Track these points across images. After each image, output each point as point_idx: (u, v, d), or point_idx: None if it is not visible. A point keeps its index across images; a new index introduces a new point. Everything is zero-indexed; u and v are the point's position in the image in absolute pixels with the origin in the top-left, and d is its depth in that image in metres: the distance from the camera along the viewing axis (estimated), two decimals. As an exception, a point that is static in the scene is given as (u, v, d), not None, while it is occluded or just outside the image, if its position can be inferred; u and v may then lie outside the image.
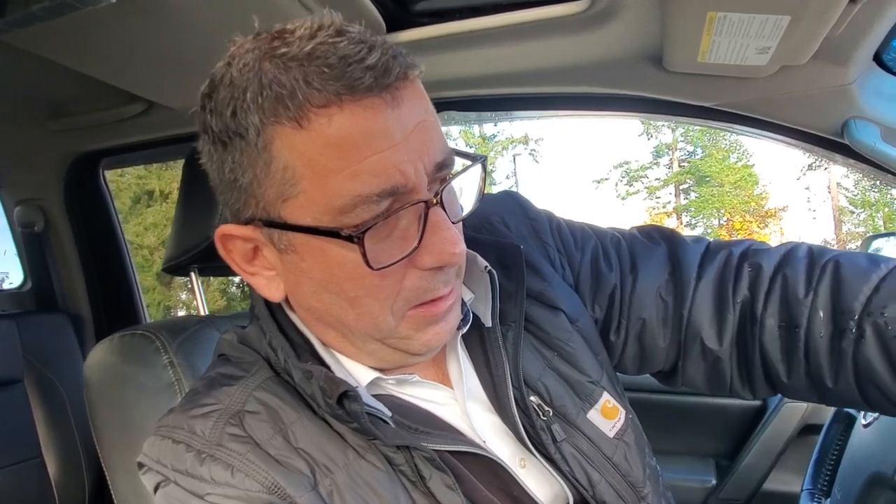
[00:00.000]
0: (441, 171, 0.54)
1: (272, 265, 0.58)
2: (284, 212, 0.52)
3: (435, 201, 0.52)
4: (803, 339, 0.65)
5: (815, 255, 0.68)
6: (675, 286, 0.71)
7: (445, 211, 0.53)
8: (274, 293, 0.59)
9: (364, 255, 0.50)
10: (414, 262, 0.53)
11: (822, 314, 0.64)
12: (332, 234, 0.51)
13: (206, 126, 0.53)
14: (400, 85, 0.50)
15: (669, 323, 0.72)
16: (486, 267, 0.64)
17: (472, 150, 0.59)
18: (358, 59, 0.48)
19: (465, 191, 0.60)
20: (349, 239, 0.50)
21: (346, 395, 0.53)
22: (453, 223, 0.54)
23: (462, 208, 0.59)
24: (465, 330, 0.64)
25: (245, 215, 0.55)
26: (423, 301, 0.56)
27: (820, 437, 1.01)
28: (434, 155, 0.52)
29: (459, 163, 0.57)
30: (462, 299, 0.64)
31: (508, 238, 0.73)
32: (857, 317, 0.62)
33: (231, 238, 0.57)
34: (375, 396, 0.60)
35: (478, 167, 0.58)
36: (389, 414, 0.58)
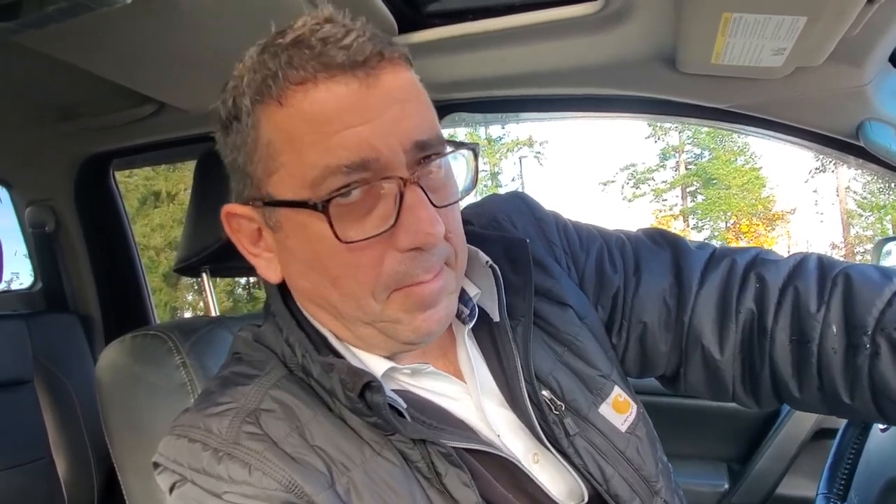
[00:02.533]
0: (423, 152, 0.54)
1: (271, 247, 0.60)
2: (270, 187, 0.55)
3: (412, 180, 0.53)
4: (816, 354, 0.64)
5: (825, 268, 0.67)
6: (678, 292, 0.71)
7: (425, 192, 0.53)
8: (272, 275, 0.61)
9: (330, 224, 0.51)
10: (392, 242, 0.54)
11: (834, 329, 0.63)
12: (303, 204, 0.53)
13: (219, 116, 0.58)
14: (376, 65, 0.52)
15: (671, 328, 0.71)
16: (487, 262, 0.64)
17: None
18: (335, 40, 0.51)
19: (461, 179, 0.60)
20: (314, 207, 0.52)
21: (368, 386, 0.53)
22: (439, 207, 0.55)
23: (453, 195, 0.59)
24: (471, 324, 0.65)
25: (244, 195, 0.59)
26: (404, 285, 0.56)
27: (835, 442, 1.00)
28: (413, 134, 0.53)
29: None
30: (468, 294, 0.65)
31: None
32: (870, 332, 0.61)
33: (234, 216, 0.60)
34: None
35: (466, 152, 0.59)
36: (406, 406, 0.58)
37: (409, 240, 0.53)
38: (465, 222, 0.69)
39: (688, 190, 19.59)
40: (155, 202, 13.83)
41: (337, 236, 0.52)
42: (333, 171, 0.51)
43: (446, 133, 0.60)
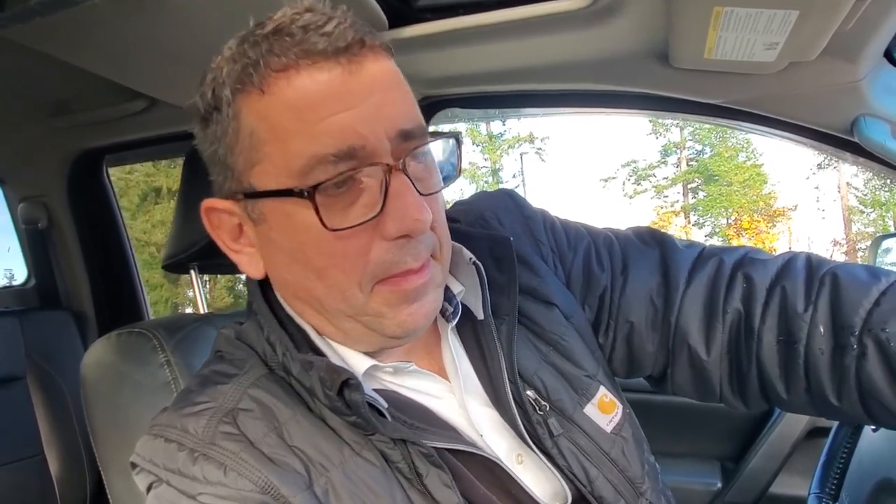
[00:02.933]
0: (407, 141, 0.54)
1: (253, 242, 0.60)
2: (253, 178, 0.55)
3: (398, 167, 0.52)
4: (803, 354, 0.63)
5: (813, 267, 0.66)
6: (665, 291, 0.70)
7: (411, 179, 0.53)
8: (254, 270, 0.61)
9: (317, 211, 0.51)
10: (379, 231, 0.53)
11: (822, 329, 0.63)
12: (288, 193, 0.52)
13: (197, 110, 0.57)
14: (357, 52, 0.52)
15: (658, 328, 0.71)
16: (470, 259, 0.64)
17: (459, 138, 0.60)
18: (315, 28, 0.51)
19: (445, 169, 0.60)
20: (300, 195, 0.51)
21: (346, 384, 0.53)
22: (424, 195, 0.54)
23: (439, 183, 0.59)
24: (454, 322, 0.64)
25: (225, 188, 0.58)
26: (391, 274, 0.55)
27: (828, 441, 0.99)
28: (397, 121, 0.53)
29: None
30: (452, 291, 0.64)
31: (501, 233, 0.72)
32: (857, 332, 0.60)
33: (214, 211, 0.59)
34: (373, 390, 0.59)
35: (449, 140, 0.59)
36: (386, 405, 0.57)
37: (397, 226, 0.53)
38: (452, 220, 0.69)
39: (689, 186, 19.52)
40: (156, 198, 13.84)
41: (323, 223, 0.51)
42: (321, 160, 0.51)
43: (445, 129, 0.59)
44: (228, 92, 0.53)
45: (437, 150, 0.59)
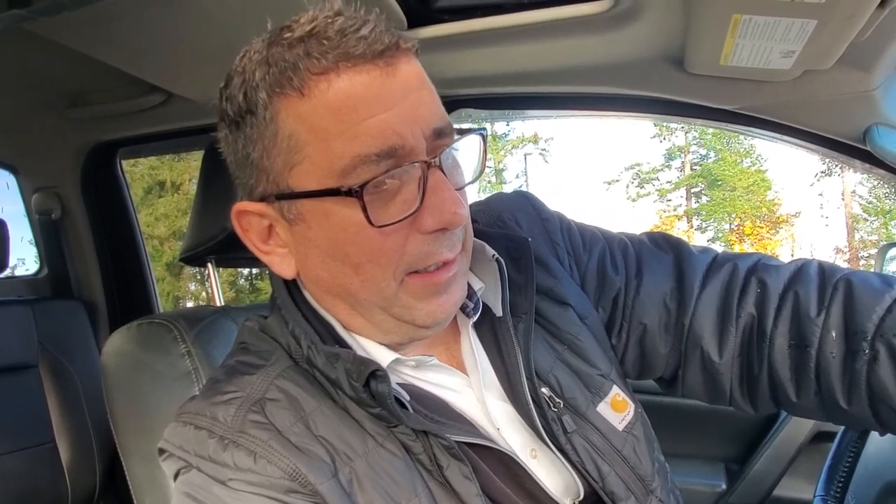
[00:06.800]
0: (440, 139, 0.56)
1: (285, 242, 0.61)
2: (291, 180, 0.55)
3: (434, 164, 0.54)
4: (814, 358, 0.64)
5: (826, 273, 0.68)
6: (679, 295, 0.72)
7: (445, 175, 0.55)
8: (286, 270, 0.62)
9: (364, 209, 0.52)
10: (417, 225, 0.55)
11: (833, 334, 0.64)
12: (333, 192, 0.53)
13: (224, 113, 0.58)
14: (393, 54, 0.54)
15: (671, 331, 0.72)
16: (493, 256, 0.65)
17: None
18: (353, 31, 0.53)
19: (468, 164, 0.62)
20: (348, 193, 0.52)
21: (373, 375, 0.54)
22: (456, 189, 0.56)
23: (465, 178, 0.61)
24: (475, 318, 0.66)
25: (258, 191, 0.58)
26: (425, 266, 0.57)
27: (834, 444, 1.00)
28: (431, 121, 0.55)
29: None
30: (473, 288, 0.66)
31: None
32: (870, 337, 0.62)
33: (246, 214, 0.60)
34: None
35: (476, 137, 0.61)
36: (408, 398, 0.58)
37: (436, 220, 0.54)
38: (471, 220, 0.70)
39: (692, 191, 19.48)
40: (159, 192, 13.87)
41: (370, 221, 0.53)
42: (364, 160, 0.52)
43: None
44: (265, 95, 0.54)
45: (463, 146, 0.61)
